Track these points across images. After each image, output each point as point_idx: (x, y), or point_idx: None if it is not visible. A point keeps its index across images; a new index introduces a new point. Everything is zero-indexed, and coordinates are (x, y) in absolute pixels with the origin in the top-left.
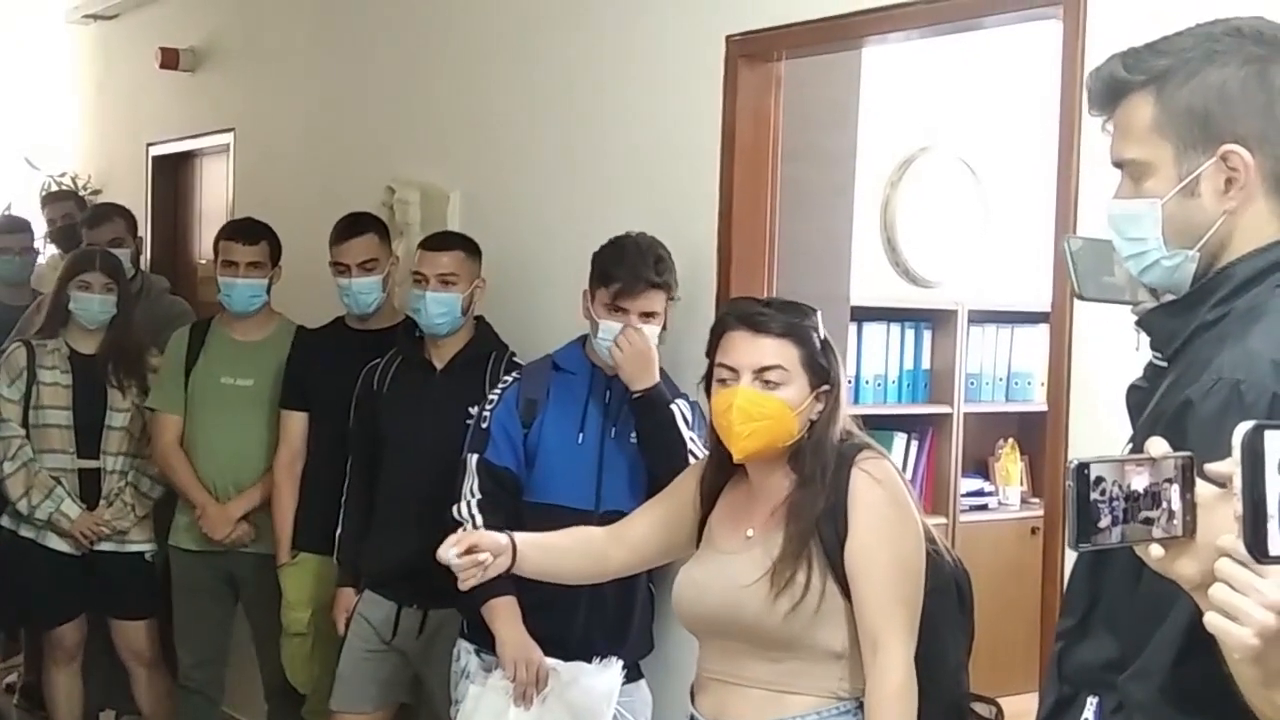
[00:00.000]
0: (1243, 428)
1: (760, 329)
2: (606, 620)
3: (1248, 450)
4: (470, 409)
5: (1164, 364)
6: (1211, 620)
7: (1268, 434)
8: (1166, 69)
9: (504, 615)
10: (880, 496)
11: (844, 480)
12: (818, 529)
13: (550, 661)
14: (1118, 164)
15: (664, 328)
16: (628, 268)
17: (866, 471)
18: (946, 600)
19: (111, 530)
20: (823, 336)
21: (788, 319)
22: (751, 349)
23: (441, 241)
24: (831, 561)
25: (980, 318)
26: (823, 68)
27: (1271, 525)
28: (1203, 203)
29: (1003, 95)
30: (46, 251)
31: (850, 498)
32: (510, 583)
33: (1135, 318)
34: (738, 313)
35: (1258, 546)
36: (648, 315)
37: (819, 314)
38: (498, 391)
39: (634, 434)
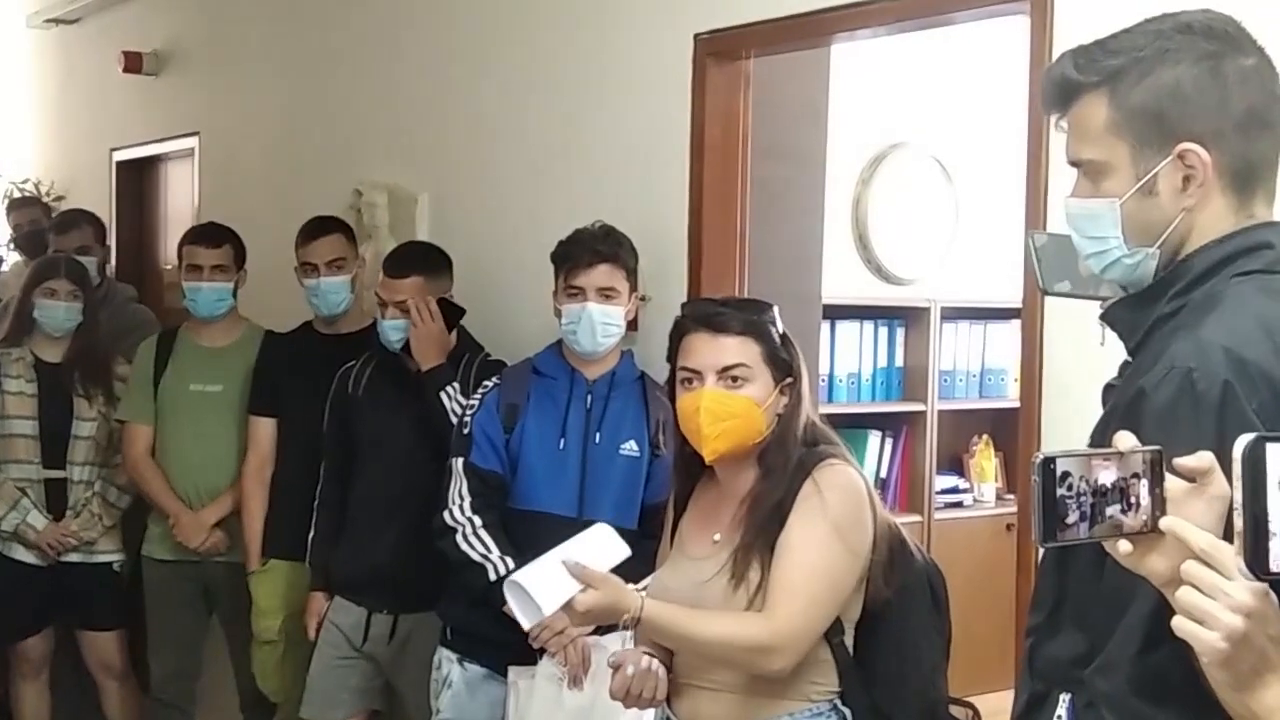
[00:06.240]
0: (1244, 440)
1: (720, 329)
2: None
3: (1248, 463)
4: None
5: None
6: (1179, 624)
7: (1269, 446)
8: (1119, 69)
9: None
10: (816, 505)
11: (798, 485)
12: (768, 527)
13: (591, 639)
14: (1074, 163)
15: (635, 327)
16: (576, 244)
17: (815, 479)
18: (918, 600)
19: (79, 541)
20: (781, 330)
21: (746, 316)
22: (713, 349)
23: (398, 268)
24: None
25: (953, 314)
26: (792, 65)
27: (1274, 542)
28: (1161, 201)
29: (973, 91)
30: (10, 258)
31: (796, 501)
32: None
33: (1100, 312)
34: (695, 314)
35: (1258, 563)
36: (606, 293)
37: (776, 309)
38: (478, 396)
39: (621, 443)
